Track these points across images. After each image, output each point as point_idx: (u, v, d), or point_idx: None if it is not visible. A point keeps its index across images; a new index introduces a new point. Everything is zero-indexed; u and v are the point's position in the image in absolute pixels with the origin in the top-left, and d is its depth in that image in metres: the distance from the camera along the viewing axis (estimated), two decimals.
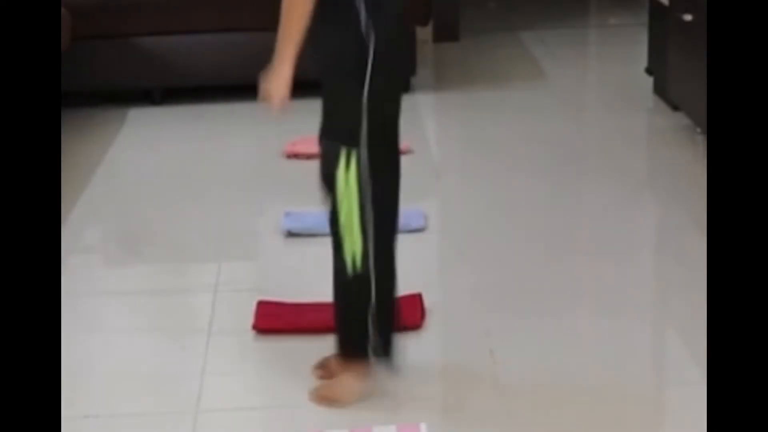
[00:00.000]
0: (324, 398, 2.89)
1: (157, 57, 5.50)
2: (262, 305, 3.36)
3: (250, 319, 3.30)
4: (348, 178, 2.72)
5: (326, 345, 3.02)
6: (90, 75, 5.48)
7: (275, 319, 3.29)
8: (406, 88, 5.15)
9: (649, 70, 5.46)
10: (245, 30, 5.43)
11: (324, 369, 3.00)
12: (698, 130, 4.72)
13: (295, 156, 4.63)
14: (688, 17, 4.57)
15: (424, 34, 6.25)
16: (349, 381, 2.89)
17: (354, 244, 2.76)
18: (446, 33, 6.77)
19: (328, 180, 2.75)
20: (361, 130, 2.69)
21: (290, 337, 3.22)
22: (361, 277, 2.78)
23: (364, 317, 2.81)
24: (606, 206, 4.17)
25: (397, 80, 2.90)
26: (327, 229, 2.69)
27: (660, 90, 5.26)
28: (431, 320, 3.29)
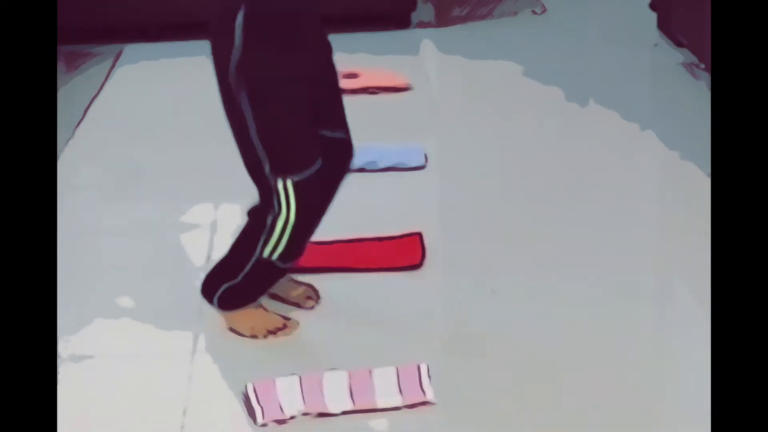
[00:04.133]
0: None
1: None
2: None
3: None
4: None
5: (325, 282, 3.00)
6: (85, 10, 5.41)
7: None
8: (405, 24, 5.05)
9: (653, 6, 5.40)
10: None
11: None
12: (702, 65, 4.68)
13: None
14: None
15: None
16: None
17: None
18: None
19: None
20: None
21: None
22: None
23: None
24: (609, 144, 4.14)
25: None
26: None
27: (664, 26, 5.22)
28: (431, 259, 3.27)
